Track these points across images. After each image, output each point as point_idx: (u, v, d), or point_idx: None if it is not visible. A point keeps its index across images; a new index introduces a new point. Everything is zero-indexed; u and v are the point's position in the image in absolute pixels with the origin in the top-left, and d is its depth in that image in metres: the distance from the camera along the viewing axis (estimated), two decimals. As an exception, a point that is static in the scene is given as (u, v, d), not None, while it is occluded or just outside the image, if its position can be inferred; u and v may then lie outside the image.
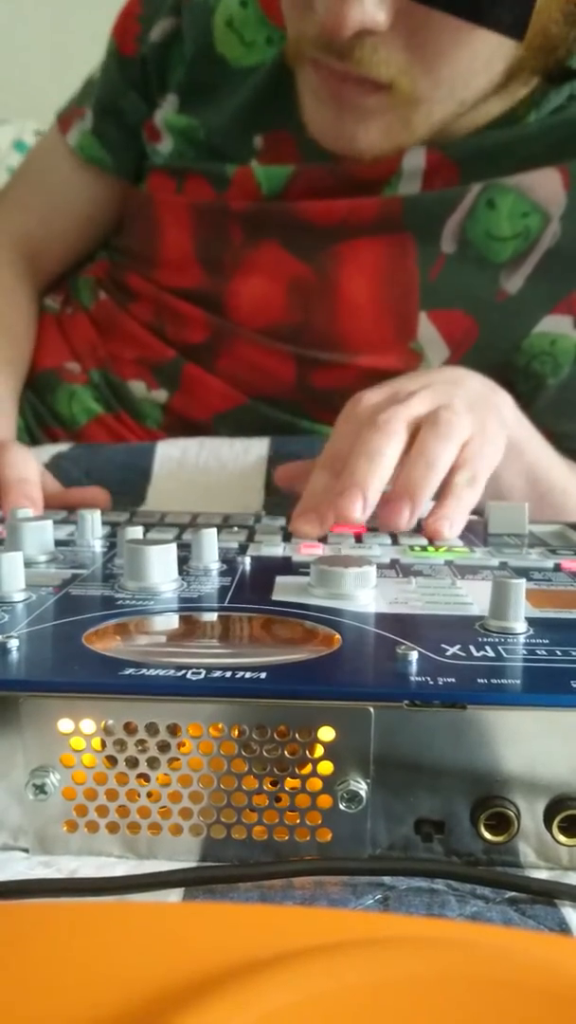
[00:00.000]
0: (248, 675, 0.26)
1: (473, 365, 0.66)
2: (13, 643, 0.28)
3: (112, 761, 0.25)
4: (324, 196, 0.65)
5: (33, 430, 0.75)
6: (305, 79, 0.60)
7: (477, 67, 0.56)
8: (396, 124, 0.59)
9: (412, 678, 0.26)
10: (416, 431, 0.47)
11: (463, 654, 0.28)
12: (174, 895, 0.24)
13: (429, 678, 0.26)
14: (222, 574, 0.38)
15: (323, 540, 0.45)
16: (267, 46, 0.67)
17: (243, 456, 0.64)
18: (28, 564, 0.37)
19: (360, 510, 0.43)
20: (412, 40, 0.53)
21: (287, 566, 0.39)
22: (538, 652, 0.28)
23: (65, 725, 0.25)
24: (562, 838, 0.25)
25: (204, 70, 0.69)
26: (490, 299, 0.65)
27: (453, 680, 0.26)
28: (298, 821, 0.26)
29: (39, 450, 0.68)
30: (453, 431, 0.47)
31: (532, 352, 0.66)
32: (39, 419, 0.75)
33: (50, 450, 0.67)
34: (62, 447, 0.68)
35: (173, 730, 0.25)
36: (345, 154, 0.62)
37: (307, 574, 0.36)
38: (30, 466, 0.52)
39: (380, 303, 0.66)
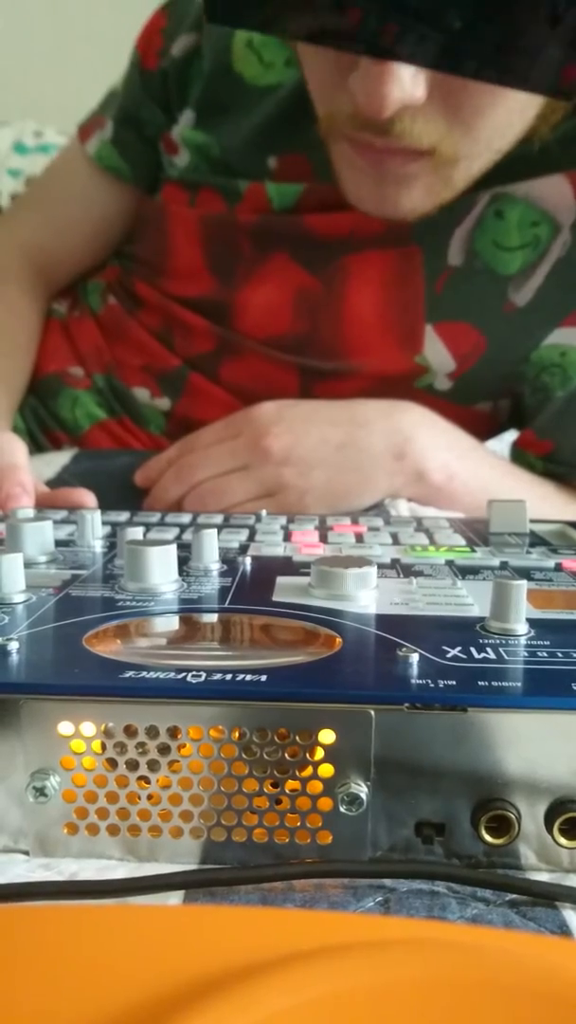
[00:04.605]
0: (248, 678, 0.26)
1: (480, 377, 0.66)
2: (13, 645, 0.28)
3: (112, 764, 0.25)
4: (334, 210, 0.65)
5: (35, 434, 0.75)
6: (341, 152, 0.59)
7: (513, 118, 0.55)
8: (437, 184, 0.58)
9: (413, 680, 0.26)
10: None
11: (464, 656, 0.28)
12: (174, 898, 0.24)
13: (430, 680, 0.26)
14: (222, 574, 0.38)
15: (323, 539, 0.45)
16: (285, 67, 0.66)
17: None
18: (28, 565, 0.37)
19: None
20: (449, 105, 0.52)
21: (288, 566, 0.39)
22: (539, 654, 0.28)
23: (65, 728, 0.25)
24: (563, 840, 0.25)
25: (221, 87, 0.69)
26: (498, 312, 0.65)
27: (454, 682, 0.26)
28: (299, 824, 0.25)
29: (43, 458, 0.68)
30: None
31: (542, 364, 0.65)
32: (41, 423, 0.75)
33: (55, 464, 0.67)
34: (64, 457, 0.68)
35: (173, 732, 0.25)
36: (388, 218, 0.62)
37: (308, 574, 0.36)
38: (19, 453, 0.52)
39: (386, 315, 0.66)
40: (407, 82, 0.50)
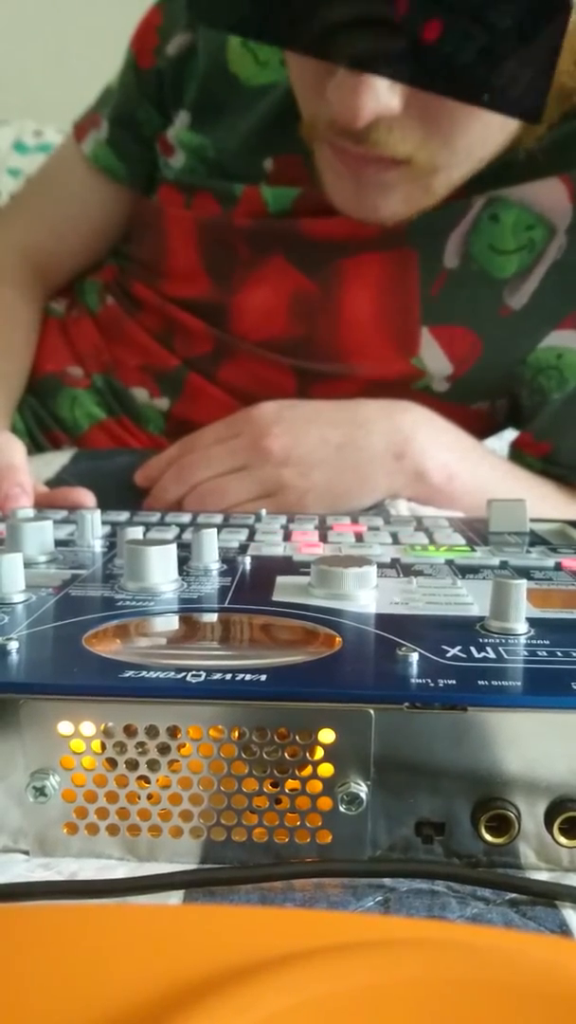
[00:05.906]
0: (248, 677, 0.26)
1: (477, 380, 0.66)
2: (13, 645, 0.28)
3: (112, 763, 0.25)
4: (329, 214, 0.65)
5: (34, 433, 0.75)
6: (322, 156, 0.59)
7: (493, 130, 0.55)
8: (417, 192, 0.58)
9: (412, 680, 0.26)
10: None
11: (464, 655, 0.28)
12: (174, 897, 0.24)
13: (430, 680, 0.26)
14: (222, 574, 0.38)
15: (323, 539, 0.45)
16: (281, 67, 0.66)
17: None
18: (28, 564, 0.37)
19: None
20: (426, 116, 0.52)
21: (288, 566, 0.39)
22: (539, 653, 0.28)
23: (65, 727, 0.25)
24: (563, 840, 0.25)
25: (216, 88, 0.69)
26: (494, 315, 0.65)
27: (454, 682, 0.26)
28: (298, 823, 0.25)
29: (42, 458, 0.68)
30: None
31: (538, 366, 0.65)
32: (40, 423, 0.75)
33: (54, 464, 0.67)
34: (64, 457, 0.68)
35: (173, 732, 0.25)
36: (368, 222, 0.62)
37: (308, 574, 0.36)
38: (18, 453, 0.52)
39: (382, 318, 0.66)
40: (382, 93, 0.50)
